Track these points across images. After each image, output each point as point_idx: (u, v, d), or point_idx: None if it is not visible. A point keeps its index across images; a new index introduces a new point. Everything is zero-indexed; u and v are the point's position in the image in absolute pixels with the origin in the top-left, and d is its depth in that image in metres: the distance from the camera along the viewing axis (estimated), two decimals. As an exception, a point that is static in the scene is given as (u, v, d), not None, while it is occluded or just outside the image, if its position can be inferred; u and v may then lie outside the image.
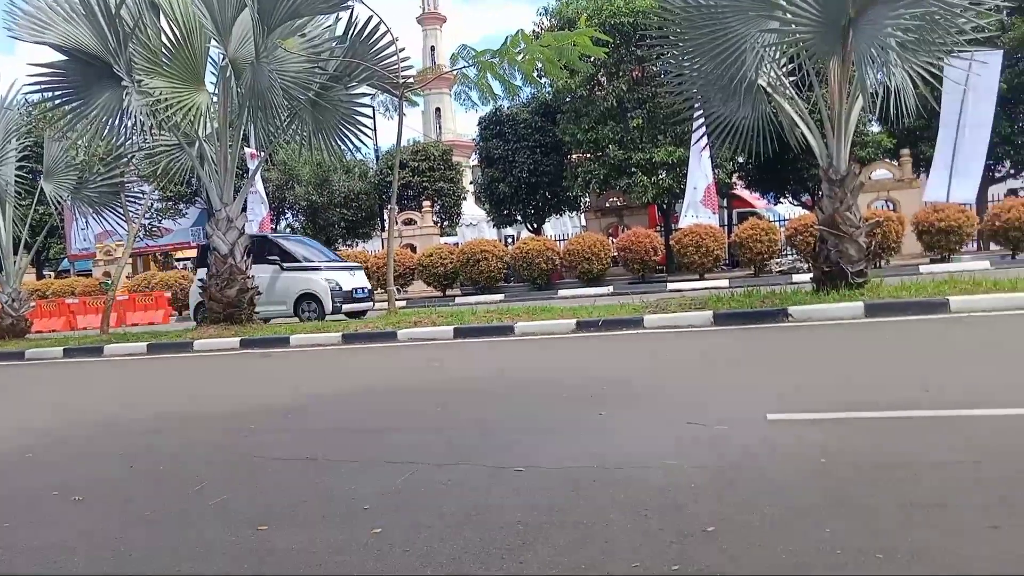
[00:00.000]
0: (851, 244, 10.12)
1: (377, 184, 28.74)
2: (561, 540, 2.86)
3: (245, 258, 13.25)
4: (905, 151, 22.46)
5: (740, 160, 23.48)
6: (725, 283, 17.22)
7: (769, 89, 10.74)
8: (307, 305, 14.78)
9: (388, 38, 12.54)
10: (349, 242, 31.08)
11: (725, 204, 27.40)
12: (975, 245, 21.41)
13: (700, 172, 20.63)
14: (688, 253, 19.90)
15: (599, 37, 12.58)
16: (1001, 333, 6.98)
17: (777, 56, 10.74)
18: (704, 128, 11.82)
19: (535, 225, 28.65)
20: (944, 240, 18.00)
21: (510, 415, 5.24)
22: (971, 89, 17.35)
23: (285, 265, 14.87)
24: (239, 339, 11.41)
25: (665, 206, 24.54)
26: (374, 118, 29.40)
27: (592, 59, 18.40)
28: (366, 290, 16.10)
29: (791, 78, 11.26)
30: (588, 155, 23.71)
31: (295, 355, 10.08)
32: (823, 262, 10.34)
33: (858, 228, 10.21)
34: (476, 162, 31.87)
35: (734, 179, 25.83)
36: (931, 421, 4.10)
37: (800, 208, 27.15)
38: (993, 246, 20.02)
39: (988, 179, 22.43)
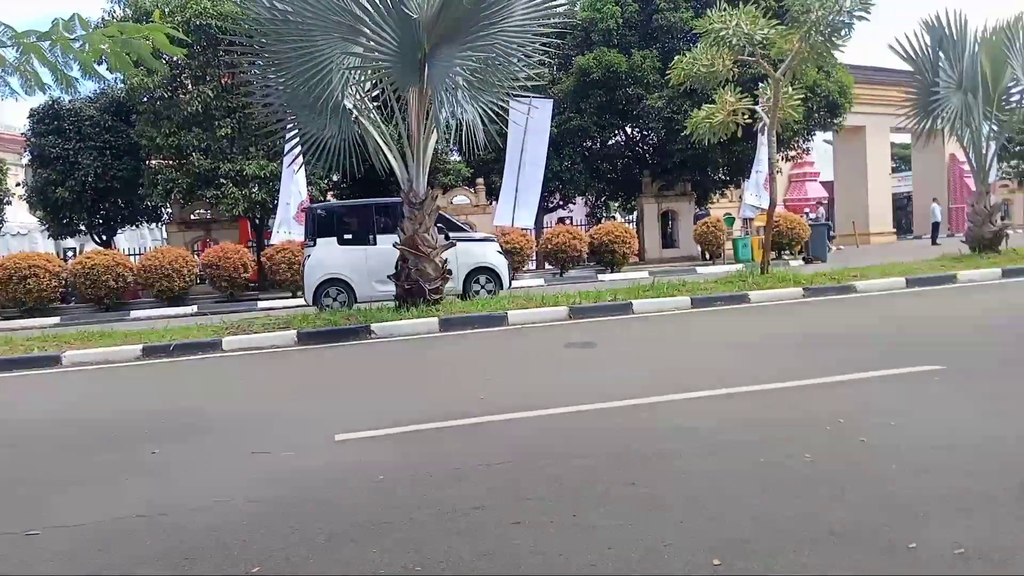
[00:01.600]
0: (429, 264, 10.82)
1: None
2: (69, 617, 2.38)
3: None
4: (480, 180, 25.11)
5: (335, 178, 23.74)
6: (318, 300, 17.17)
7: (355, 112, 10.98)
8: (478, 281, 12.95)
9: None
10: None
11: (320, 221, 27.47)
12: (534, 264, 24.84)
13: (293, 188, 20.26)
14: (280, 270, 19.38)
15: (176, 35, 11.50)
16: (547, 342, 8.06)
17: (362, 80, 11.05)
18: (297, 143, 11.60)
19: (104, 237, 25.15)
20: (510, 260, 20.46)
21: (37, 465, 4.37)
22: (530, 131, 20.25)
23: (452, 235, 12.28)
24: None
25: (258, 221, 23.62)
26: None
27: (173, 59, 16.89)
28: None
29: (375, 103, 11.68)
30: (170, 162, 21.65)
31: None
32: (404, 280, 10.86)
33: (435, 249, 10.96)
34: (27, 161, 26.83)
35: (329, 196, 26.01)
36: (481, 428, 4.46)
37: (392, 228, 28.54)
38: (548, 265, 23.41)
39: (544, 208, 26.20)
